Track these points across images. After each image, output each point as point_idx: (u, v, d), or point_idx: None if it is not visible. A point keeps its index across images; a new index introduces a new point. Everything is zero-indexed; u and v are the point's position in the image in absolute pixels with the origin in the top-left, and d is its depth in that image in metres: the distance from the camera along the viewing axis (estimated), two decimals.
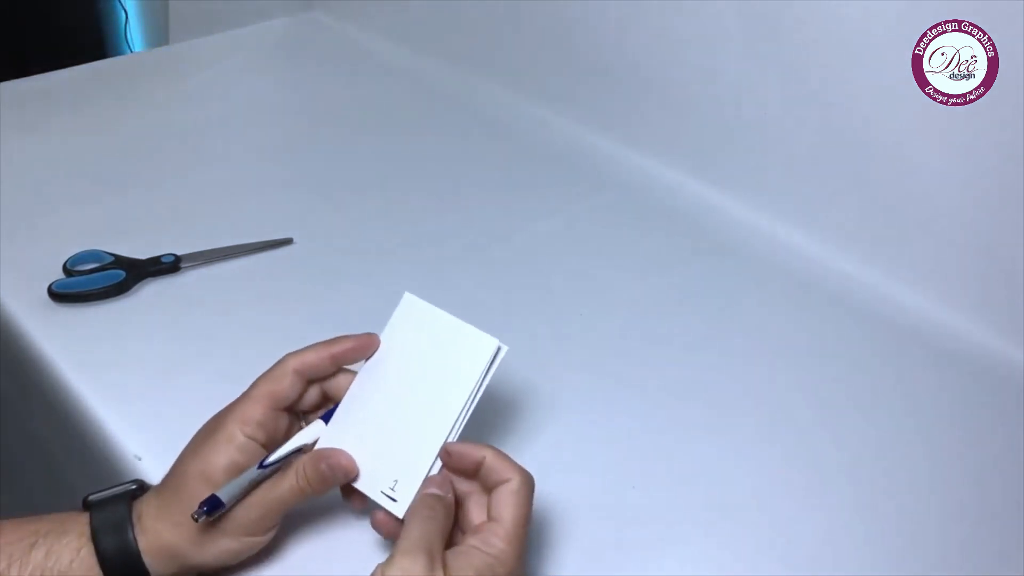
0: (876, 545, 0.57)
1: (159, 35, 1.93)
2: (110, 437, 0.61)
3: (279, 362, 0.53)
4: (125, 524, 0.48)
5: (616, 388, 0.67)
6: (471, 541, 0.47)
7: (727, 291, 0.78)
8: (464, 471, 0.50)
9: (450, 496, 0.49)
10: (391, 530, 0.51)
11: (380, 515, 0.51)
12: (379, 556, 0.47)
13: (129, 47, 2.04)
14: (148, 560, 0.48)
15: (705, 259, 0.81)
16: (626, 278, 0.79)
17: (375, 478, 0.51)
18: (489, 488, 0.49)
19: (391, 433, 0.52)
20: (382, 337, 0.55)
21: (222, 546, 0.49)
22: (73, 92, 1.04)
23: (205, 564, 0.49)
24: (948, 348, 0.72)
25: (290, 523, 0.54)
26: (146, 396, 0.64)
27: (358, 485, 0.52)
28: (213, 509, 0.47)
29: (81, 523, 0.48)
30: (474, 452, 0.50)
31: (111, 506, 0.49)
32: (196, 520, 0.47)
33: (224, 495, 0.48)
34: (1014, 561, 0.56)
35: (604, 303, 0.76)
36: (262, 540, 0.50)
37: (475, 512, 0.50)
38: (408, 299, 0.56)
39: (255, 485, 0.49)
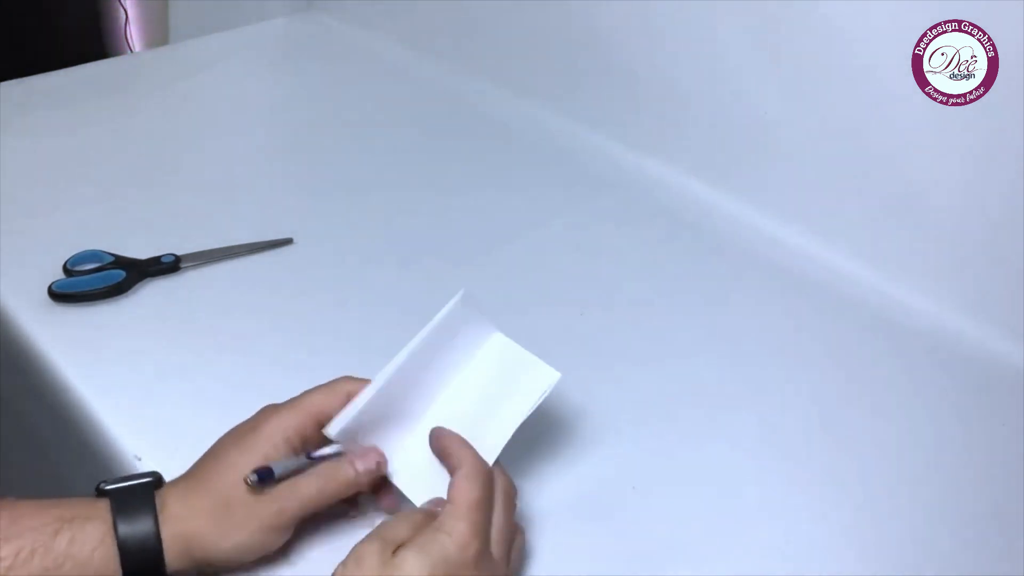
0: (876, 545, 0.57)
1: (159, 35, 1.94)
2: (110, 437, 0.61)
3: (336, 380, 0.54)
4: (150, 514, 0.48)
5: (616, 388, 0.67)
6: (427, 528, 0.48)
7: (727, 291, 0.78)
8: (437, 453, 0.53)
9: None
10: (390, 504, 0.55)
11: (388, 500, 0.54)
12: None
13: (129, 47, 2.04)
14: (166, 549, 0.48)
15: (705, 259, 0.81)
16: (626, 278, 0.79)
17: (418, 482, 0.53)
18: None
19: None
20: (427, 331, 0.54)
21: (235, 539, 0.49)
22: (73, 92, 1.04)
23: (217, 558, 0.49)
24: (948, 348, 0.72)
25: (303, 527, 0.53)
26: (146, 396, 0.64)
27: (396, 480, 0.53)
28: (264, 477, 0.49)
29: (106, 511, 0.48)
30: (442, 440, 0.52)
31: (135, 496, 0.49)
32: (248, 484, 0.48)
33: (276, 468, 0.49)
34: (1014, 561, 0.56)
35: (604, 303, 0.75)
36: (275, 540, 0.51)
37: None
38: (465, 306, 0.57)
39: (300, 471, 0.51)
